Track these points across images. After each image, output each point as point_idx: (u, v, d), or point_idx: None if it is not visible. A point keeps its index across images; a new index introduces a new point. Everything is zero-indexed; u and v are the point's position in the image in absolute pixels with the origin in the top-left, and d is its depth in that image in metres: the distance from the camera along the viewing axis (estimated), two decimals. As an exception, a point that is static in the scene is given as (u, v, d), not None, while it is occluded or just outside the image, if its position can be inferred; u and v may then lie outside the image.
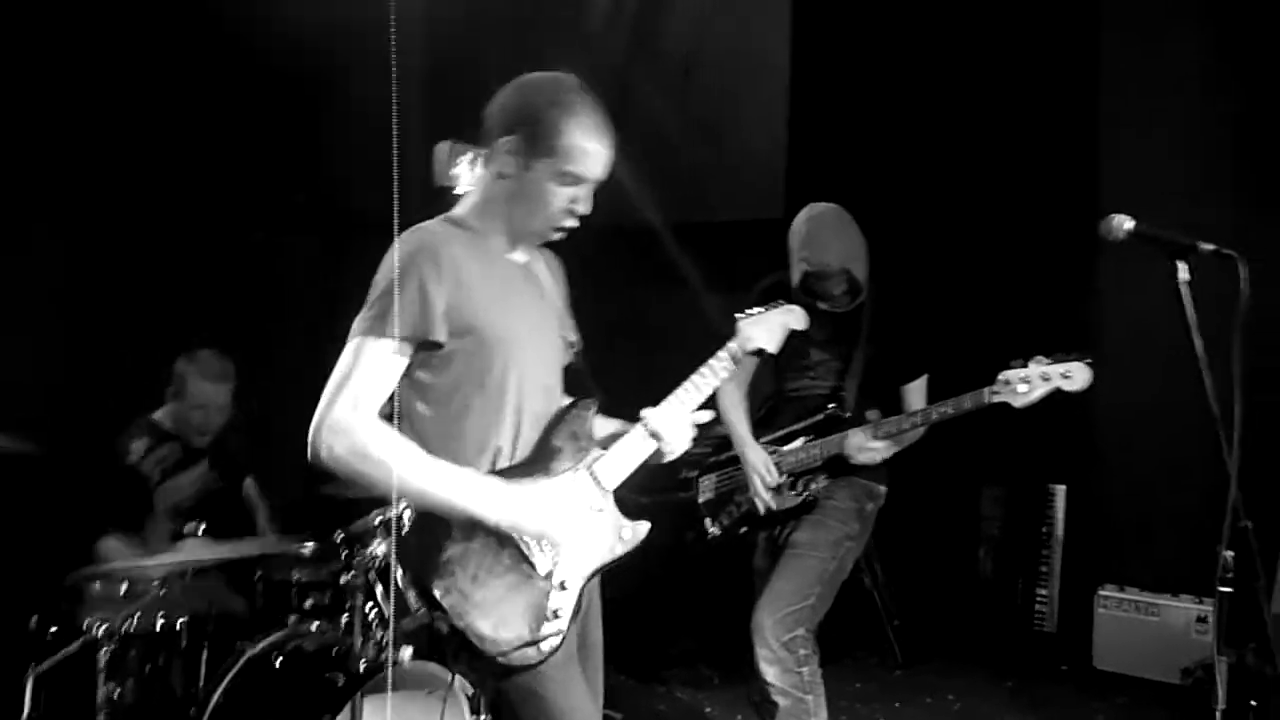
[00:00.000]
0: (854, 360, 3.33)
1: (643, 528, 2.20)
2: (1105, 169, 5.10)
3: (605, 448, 2.19)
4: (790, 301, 3.12)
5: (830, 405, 3.31)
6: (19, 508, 3.64)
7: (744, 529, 3.48)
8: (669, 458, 2.25)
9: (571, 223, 2.12)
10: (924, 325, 3.44)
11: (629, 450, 2.19)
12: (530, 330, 2.13)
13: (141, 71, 4.39)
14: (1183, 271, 2.00)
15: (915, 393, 3.34)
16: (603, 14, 5.47)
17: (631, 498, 2.25)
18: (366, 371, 1.96)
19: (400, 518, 2.91)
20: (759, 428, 3.44)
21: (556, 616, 2.05)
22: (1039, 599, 5.11)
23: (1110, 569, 4.98)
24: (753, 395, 3.55)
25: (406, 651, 3.04)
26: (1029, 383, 2.96)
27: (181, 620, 3.03)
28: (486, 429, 2.06)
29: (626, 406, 2.31)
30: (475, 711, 2.87)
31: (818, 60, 4.90)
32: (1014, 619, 5.12)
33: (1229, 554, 1.89)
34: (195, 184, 4.59)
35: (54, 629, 2.99)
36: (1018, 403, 2.99)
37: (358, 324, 2.00)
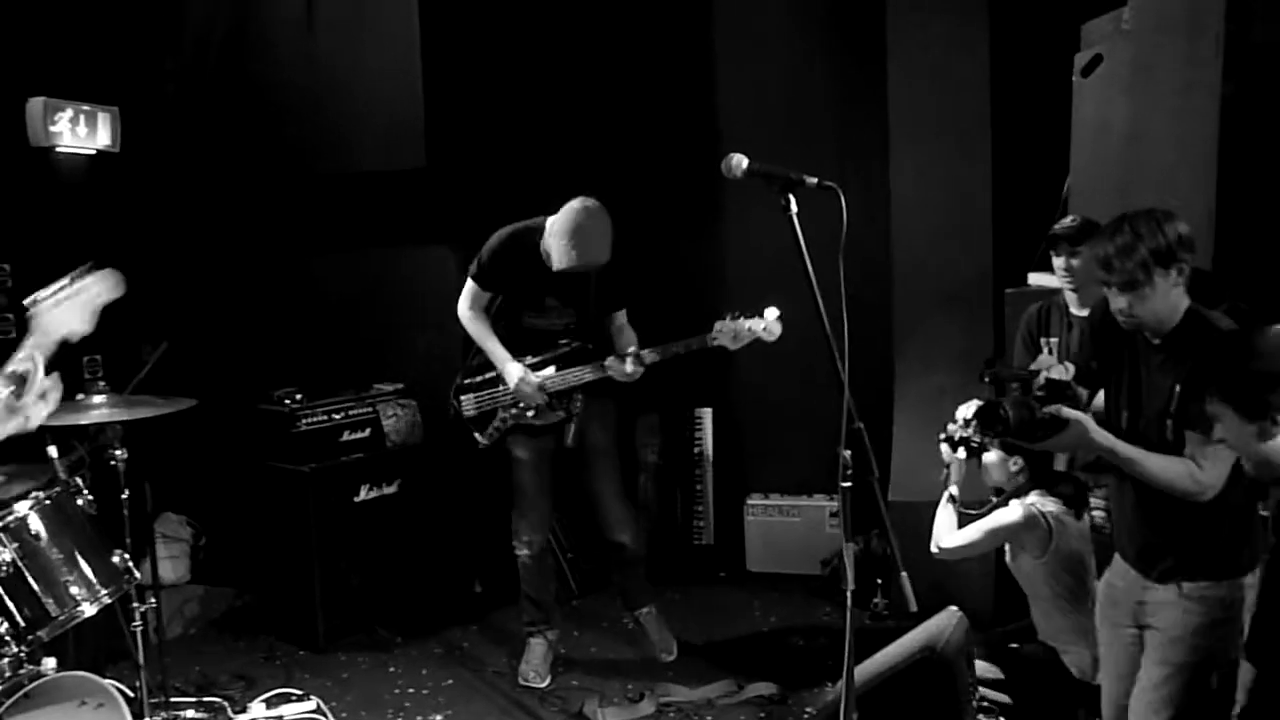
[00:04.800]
0: (588, 304, 4.04)
1: None
2: (723, 113, 5.47)
3: None
4: (531, 258, 3.92)
5: (573, 341, 4.04)
6: None
7: (509, 438, 4.13)
8: None
9: None
10: (629, 268, 4.09)
11: None
12: None
13: None
14: (793, 204, 2.19)
15: (620, 318, 4.13)
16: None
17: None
18: None
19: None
20: None
21: None
22: (696, 514, 5.50)
23: (754, 480, 5.46)
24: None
25: (50, 662, 2.78)
26: (738, 335, 3.76)
27: None
28: None
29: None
30: (138, 717, 2.68)
31: (447, 2, 4.84)
32: (676, 536, 5.48)
33: (847, 453, 2.12)
34: None
35: None
36: (733, 346, 3.80)
37: None
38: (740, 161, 2.25)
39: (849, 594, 2.16)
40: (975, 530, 3.21)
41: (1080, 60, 3.88)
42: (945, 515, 3.28)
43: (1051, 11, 4.32)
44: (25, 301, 1.99)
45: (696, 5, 5.51)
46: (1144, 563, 2.61)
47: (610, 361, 3.94)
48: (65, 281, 2.03)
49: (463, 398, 4.18)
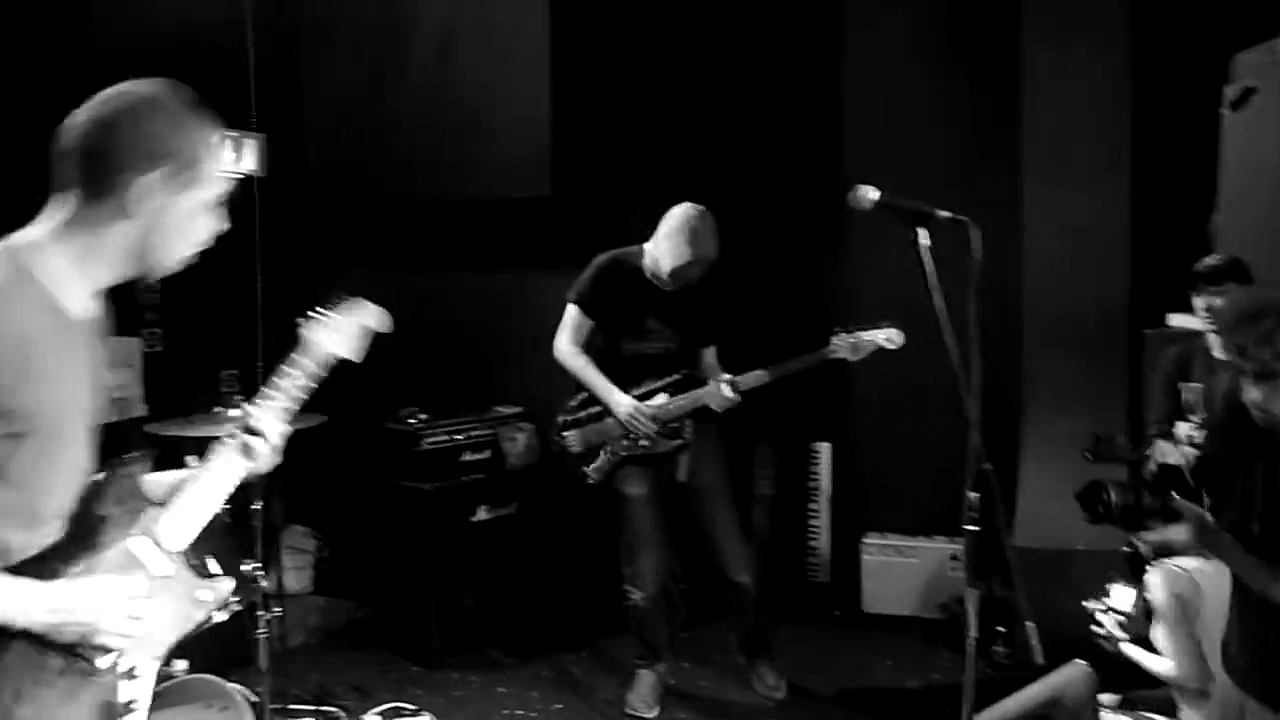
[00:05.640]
0: (690, 325, 4.03)
1: (223, 586, 1.98)
2: (849, 142, 5.41)
3: (166, 504, 1.92)
4: (633, 278, 3.95)
5: (680, 367, 4.02)
6: None
7: (620, 470, 4.05)
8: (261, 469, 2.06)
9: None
10: (722, 297, 4.10)
11: (195, 502, 1.97)
12: (76, 404, 1.81)
13: None
14: (923, 237, 2.14)
15: (710, 355, 4.10)
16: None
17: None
18: None
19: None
20: None
21: (130, 710, 1.82)
22: (810, 551, 5.40)
23: (872, 518, 5.33)
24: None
25: (181, 664, 2.88)
26: (859, 346, 3.78)
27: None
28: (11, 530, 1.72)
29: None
30: (261, 722, 2.75)
31: (578, 33, 4.93)
32: (789, 572, 5.39)
33: (973, 495, 2.05)
34: None
35: None
36: (853, 358, 3.82)
37: None
38: (868, 193, 2.21)
39: (972, 641, 2.09)
40: (1167, 642, 3.03)
41: (1230, 93, 3.71)
42: (1141, 655, 3.13)
43: (1198, 39, 4.15)
44: (299, 319, 2.17)
45: (825, 31, 5.48)
46: (1269, 695, 2.27)
47: (709, 389, 3.95)
48: (326, 308, 2.21)
49: (567, 434, 4.13)
